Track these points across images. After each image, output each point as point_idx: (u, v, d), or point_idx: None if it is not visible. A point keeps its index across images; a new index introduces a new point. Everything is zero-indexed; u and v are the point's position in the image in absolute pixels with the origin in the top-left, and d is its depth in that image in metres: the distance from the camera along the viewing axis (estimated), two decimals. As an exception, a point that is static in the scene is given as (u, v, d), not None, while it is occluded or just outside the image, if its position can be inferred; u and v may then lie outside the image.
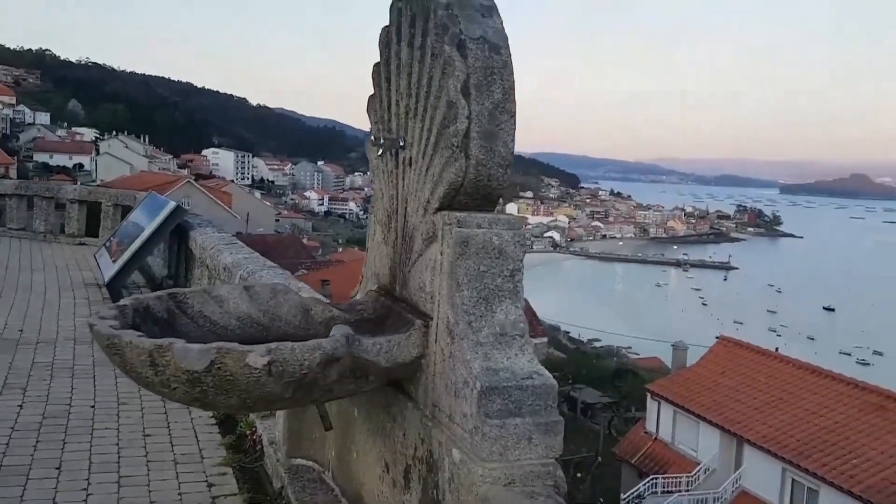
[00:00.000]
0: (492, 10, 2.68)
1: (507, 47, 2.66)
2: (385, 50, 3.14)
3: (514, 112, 2.64)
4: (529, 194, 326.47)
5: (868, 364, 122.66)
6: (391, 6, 3.06)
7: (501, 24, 2.68)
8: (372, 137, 3.32)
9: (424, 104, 2.79)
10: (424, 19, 2.74)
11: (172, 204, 9.10)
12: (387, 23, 3.10)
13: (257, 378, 2.41)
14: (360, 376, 2.81)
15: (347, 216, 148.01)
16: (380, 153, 3.19)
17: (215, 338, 2.76)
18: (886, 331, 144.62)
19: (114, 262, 8.94)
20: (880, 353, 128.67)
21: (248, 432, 4.75)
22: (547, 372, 2.52)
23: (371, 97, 3.33)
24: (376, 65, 3.24)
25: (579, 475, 26.50)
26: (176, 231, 8.96)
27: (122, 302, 2.85)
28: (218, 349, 2.40)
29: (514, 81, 2.65)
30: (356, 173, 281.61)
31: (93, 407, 5.38)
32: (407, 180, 2.99)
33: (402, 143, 2.99)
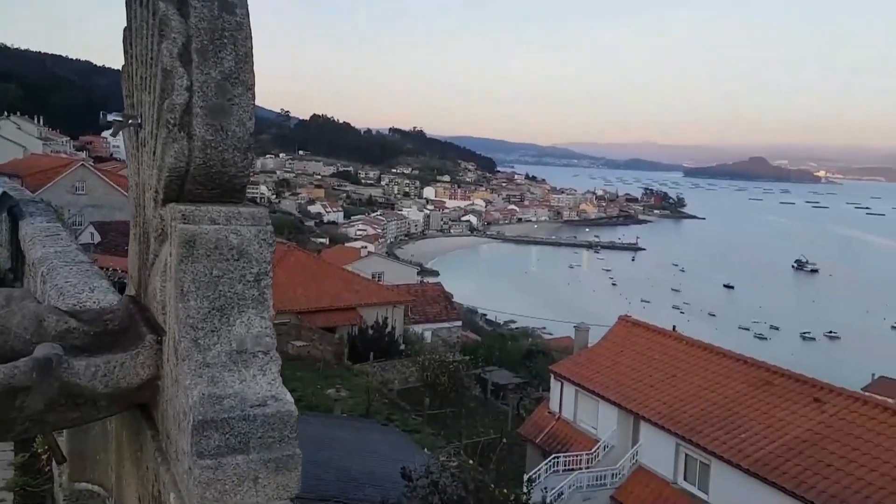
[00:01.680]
0: (227, -40, 2.20)
1: (245, 6, 2.19)
2: (128, 9, 2.63)
3: (252, 84, 2.18)
4: (447, 178, 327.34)
5: (765, 338, 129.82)
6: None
7: (238, -23, 2.20)
8: (117, 115, 2.79)
9: (150, 74, 2.30)
10: (149, -31, 2.24)
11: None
12: None
13: None
14: (84, 403, 2.32)
15: (259, 199, 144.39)
16: (112, 133, 2.68)
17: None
18: (782, 306, 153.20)
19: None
20: (776, 328, 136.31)
21: (40, 451, 4.15)
22: (288, 395, 2.10)
23: (122, 67, 2.81)
24: (125, 28, 2.72)
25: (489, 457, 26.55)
26: (13, 220, 8.09)
27: None
28: None
29: (251, 48, 2.18)
30: (268, 156, 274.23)
31: None
32: (143, 165, 2.49)
33: (138, 121, 2.49)
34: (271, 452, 1.99)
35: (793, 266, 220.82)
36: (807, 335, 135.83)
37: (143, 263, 2.55)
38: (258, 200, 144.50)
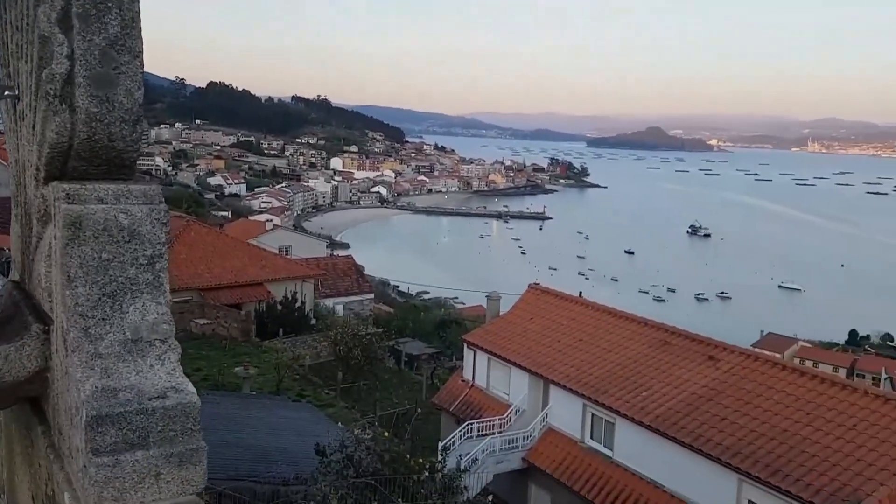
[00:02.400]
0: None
1: (129, -34, 2.02)
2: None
3: (140, 51, 2.02)
4: (354, 149, 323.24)
5: (663, 301, 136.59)
6: None
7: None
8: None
9: (27, 41, 2.09)
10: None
11: None
12: None
13: None
14: (-39, 399, 2.13)
15: (154, 172, 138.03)
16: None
17: None
18: (678, 270, 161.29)
19: None
20: (673, 290, 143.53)
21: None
22: (189, 386, 1.99)
23: (-8, 32, 2.55)
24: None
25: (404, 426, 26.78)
26: None
27: None
28: None
29: (139, 11, 2.02)
30: (163, 126, 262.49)
31: None
32: (23, 140, 2.28)
33: (15, 93, 2.27)
34: (173, 447, 1.89)
35: (687, 231, 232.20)
36: (701, 296, 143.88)
37: (27, 247, 2.35)
38: (153, 173, 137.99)
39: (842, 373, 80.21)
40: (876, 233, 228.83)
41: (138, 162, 2.21)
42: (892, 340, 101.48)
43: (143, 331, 2.01)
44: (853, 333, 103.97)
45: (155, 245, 2.06)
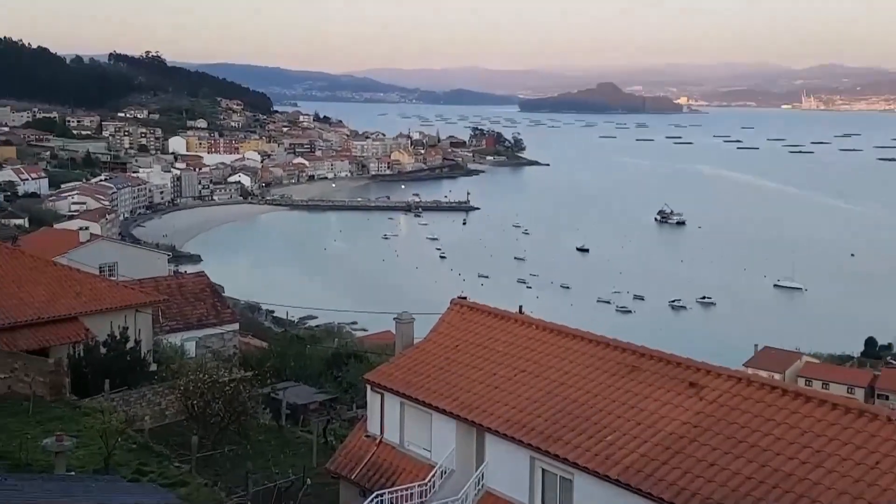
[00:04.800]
0: None
1: None
2: None
3: None
4: (203, 124, 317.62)
5: (629, 311, 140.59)
6: None
7: None
8: None
9: None
10: None
11: None
12: None
13: None
14: None
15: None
16: None
17: None
18: (646, 270, 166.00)
19: None
20: (640, 298, 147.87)
21: None
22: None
23: None
24: None
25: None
26: None
27: None
28: None
29: None
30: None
31: None
32: None
33: None
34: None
35: (656, 219, 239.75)
36: (676, 303, 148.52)
37: None
38: None
39: (859, 394, 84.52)
40: (894, 211, 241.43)
41: None
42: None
43: None
44: (870, 342, 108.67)
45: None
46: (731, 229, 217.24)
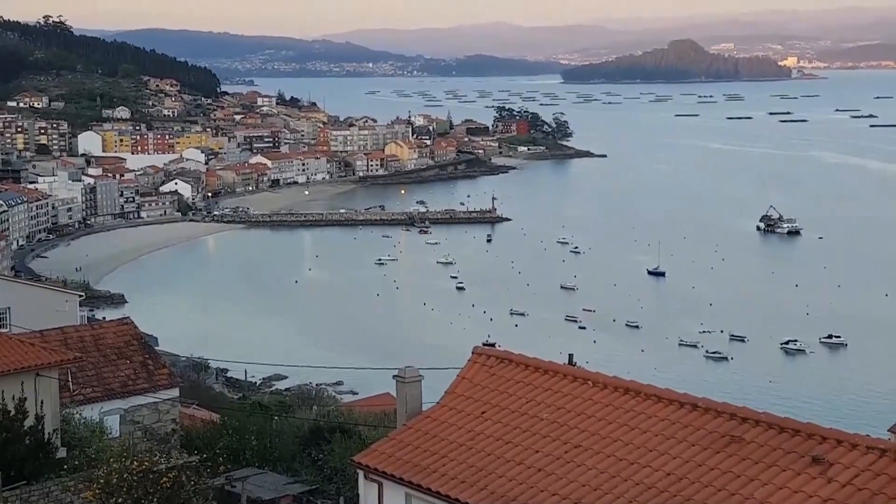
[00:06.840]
0: None
1: None
2: None
3: None
4: (124, 114, 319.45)
5: (725, 358, 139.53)
6: None
7: None
8: None
9: None
10: None
11: None
12: None
13: None
14: None
15: None
16: None
17: None
18: (745, 300, 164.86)
19: None
20: (740, 339, 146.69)
21: None
22: None
23: None
24: None
25: None
26: None
27: None
28: None
29: None
30: None
31: None
32: None
33: None
34: None
35: (759, 227, 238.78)
36: (791, 346, 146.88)
37: None
38: None
39: None
40: None
41: None
42: None
43: None
44: None
45: None
46: (865, 241, 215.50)
